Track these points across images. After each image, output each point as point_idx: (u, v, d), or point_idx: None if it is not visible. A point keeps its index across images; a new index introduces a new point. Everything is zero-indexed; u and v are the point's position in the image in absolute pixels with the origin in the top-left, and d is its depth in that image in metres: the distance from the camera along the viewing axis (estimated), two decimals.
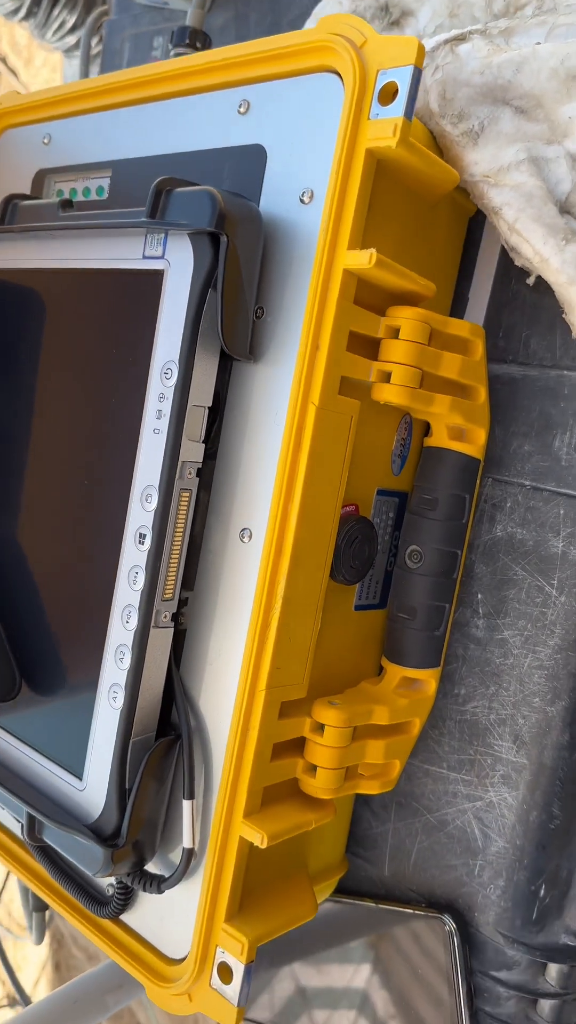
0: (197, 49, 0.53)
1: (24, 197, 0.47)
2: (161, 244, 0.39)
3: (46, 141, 0.51)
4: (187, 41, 0.52)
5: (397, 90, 0.34)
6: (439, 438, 0.42)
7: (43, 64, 1.43)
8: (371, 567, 0.42)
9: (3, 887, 1.32)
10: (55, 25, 1.23)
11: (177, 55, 0.53)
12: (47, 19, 1.22)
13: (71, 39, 1.27)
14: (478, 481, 0.43)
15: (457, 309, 0.46)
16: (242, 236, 0.37)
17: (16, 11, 1.21)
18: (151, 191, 0.37)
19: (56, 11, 1.22)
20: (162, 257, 0.39)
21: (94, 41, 0.91)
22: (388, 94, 0.35)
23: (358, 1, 0.49)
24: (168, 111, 0.44)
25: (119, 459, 0.40)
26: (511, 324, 0.44)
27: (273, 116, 0.39)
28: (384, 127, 0.34)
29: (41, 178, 0.51)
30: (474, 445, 0.42)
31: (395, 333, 0.38)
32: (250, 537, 0.39)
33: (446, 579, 0.43)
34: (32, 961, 1.63)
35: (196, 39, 0.52)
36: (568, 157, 0.39)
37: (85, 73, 0.73)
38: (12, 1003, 1.67)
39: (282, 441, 0.37)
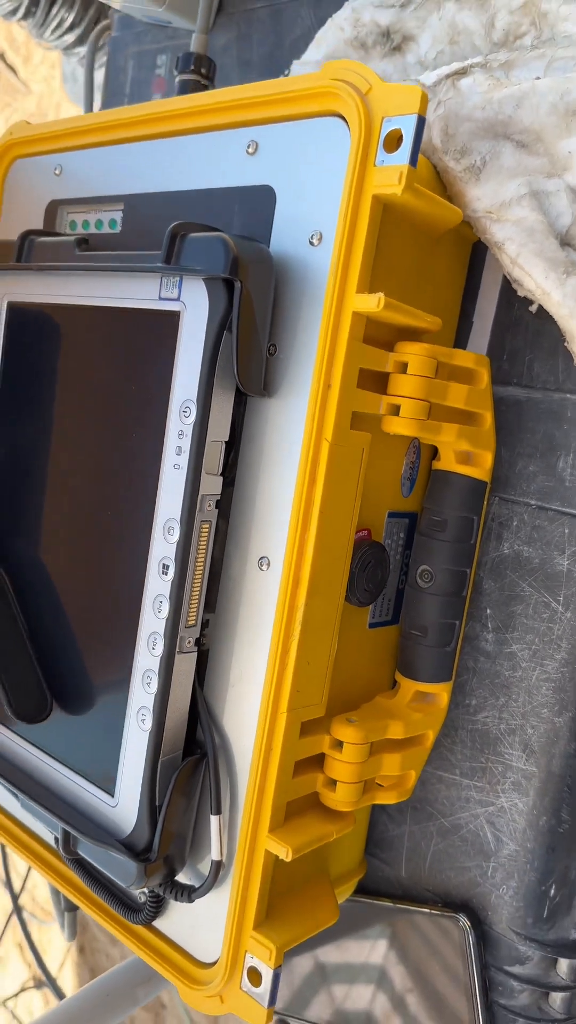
0: (202, 75, 0.53)
1: (40, 233, 0.48)
2: (177, 287, 0.40)
3: (57, 172, 0.52)
4: (192, 67, 0.53)
5: (402, 137, 0.36)
6: (447, 462, 0.44)
7: (42, 61, 1.43)
8: (384, 588, 0.44)
9: (27, 875, 1.36)
10: (53, 24, 1.23)
11: (182, 81, 0.54)
12: (45, 18, 1.22)
13: (70, 37, 1.27)
14: (485, 502, 0.45)
15: (462, 331, 0.47)
16: (254, 279, 0.38)
17: (14, 11, 1.21)
18: (166, 236, 0.39)
19: (54, 10, 1.22)
20: (178, 299, 0.40)
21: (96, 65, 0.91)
22: (393, 141, 0.36)
23: (360, 27, 0.50)
24: (178, 148, 0.45)
25: (141, 492, 0.42)
26: (515, 348, 0.45)
27: (281, 158, 0.40)
28: (390, 174, 0.36)
29: (54, 209, 0.52)
30: (481, 468, 0.44)
31: (403, 368, 0.39)
32: (268, 565, 0.41)
33: (456, 598, 0.44)
34: (57, 944, 1.67)
35: (201, 65, 0.53)
36: (568, 190, 0.40)
37: (89, 90, 0.74)
38: (39, 984, 1.71)
39: (297, 474, 0.39)
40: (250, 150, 0.41)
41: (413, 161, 0.35)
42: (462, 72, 0.42)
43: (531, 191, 0.40)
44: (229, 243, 0.37)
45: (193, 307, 0.40)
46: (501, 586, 0.46)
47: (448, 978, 0.48)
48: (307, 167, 0.39)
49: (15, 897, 1.08)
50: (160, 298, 0.41)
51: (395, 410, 0.40)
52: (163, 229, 0.39)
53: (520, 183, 0.40)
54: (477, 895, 0.47)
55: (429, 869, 0.49)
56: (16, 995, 1.75)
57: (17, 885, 1.41)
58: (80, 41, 1.25)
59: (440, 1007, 0.48)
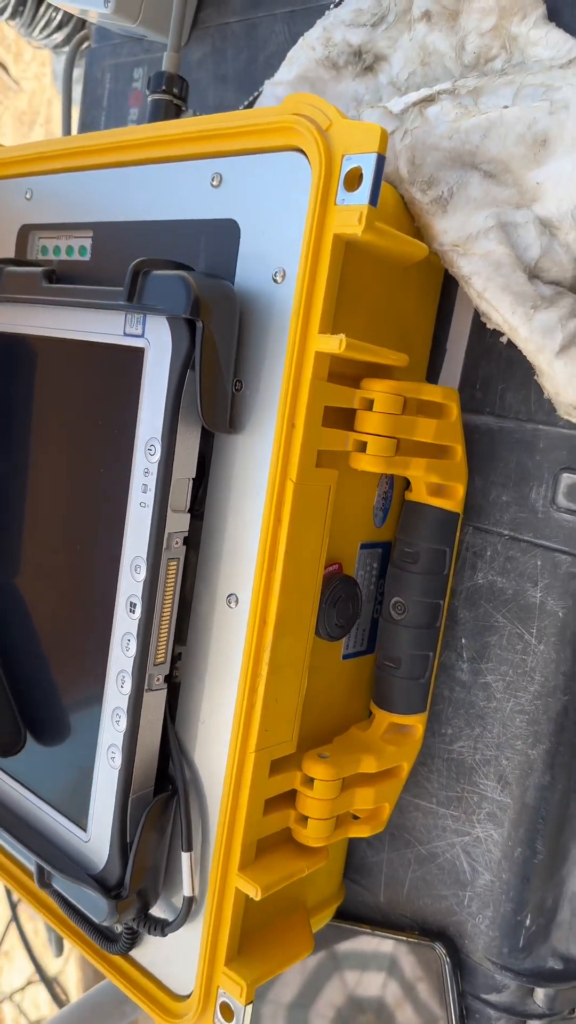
0: (174, 95, 0.53)
1: (10, 262, 0.47)
2: (141, 323, 0.40)
3: (28, 196, 0.52)
4: (163, 87, 0.52)
5: (362, 176, 0.35)
6: (418, 493, 0.43)
7: (32, 59, 1.42)
8: (356, 622, 0.43)
9: None
10: (41, 23, 1.22)
11: (154, 102, 0.53)
12: (33, 18, 1.21)
13: (58, 36, 1.25)
14: (458, 534, 0.44)
15: (436, 359, 0.47)
16: (218, 317, 0.37)
17: (2, 11, 1.20)
18: (128, 273, 0.38)
19: (42, 9, 1.20)
20: (142, 336, 0.40)
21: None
22: (353, 179, 0.35)
23: (331, 46, 0.49)
24: (145, 177, 0.44)
25: (109, 528, 0.42)
26: (488, 376, 0.45)
27: (244, 191, 0.40)
28: (350, 214, 0.35)
29: (25, 233, 0.52)
30: (452, 500, 0.43)
31: (369, 405, 0.39)
32: (236, 603, 0.40)
33: (429, 630, 0.44)
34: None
35: (173, 84, 0.52)
36: (537, 222, 0.40)
37: (67, 102, 0.73)
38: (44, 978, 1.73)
39: (263, 513, 0.39)
40: (214, 183, 0.41)
41: (374, 200, 0.35)
42: (430, 100, 0.41)
43: (499, 223, 0.39)
44: (190, 283, 0.37)
45: (157, 344, 0.39)
46: (476, 616, 0.46)
47: (425, 1006, 0.48)
48: (269, 202, 0.39)
49: (13, 906, 1.09)
50: (125, 334, 0.41)
51: (362, 447, 0.39)
52: (130, 259, 0.39)
53: (488, 215, 0.39)
54: (454, 923, 0.47)
55: (407, 896, 0.49)
56: (22, 989, 1.77)
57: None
58: (69, 40, 1.24)
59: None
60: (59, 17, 1.26)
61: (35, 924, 1.67)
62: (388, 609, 0.45)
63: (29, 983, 1.75)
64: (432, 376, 0.47)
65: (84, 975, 1.62)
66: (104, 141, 0.46)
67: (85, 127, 0.70)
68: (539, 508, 0.43)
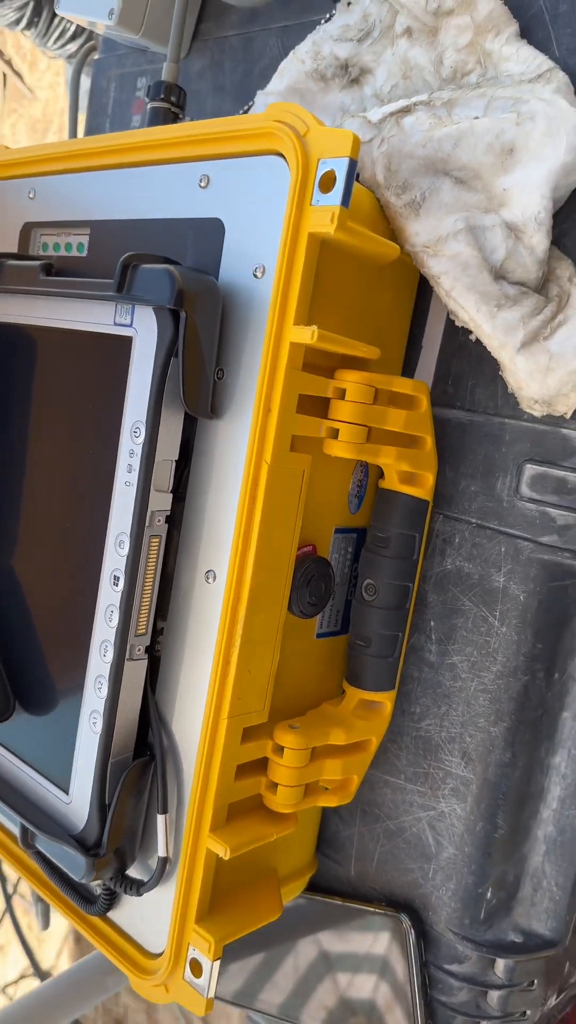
0: (172, 103, 0.55)
1: (11, 256, 0.50)
2: (129, 313, 0.42)
3: (31, 196, 0.55)
4: (162, 96, 0.55)
5: (335, 178, 0.38)
6: (390, 481, 0.46)
7: (47, 68, 1.46)
8: (328, 602, 0.46)
9: None
10: (56, 34, 1.25)
11: (153, 109, 0.56)
12: (48, 28, 1.25)
13: (72, 46, 1.29)
14: (427, 520, 0.47)
15: (412, 355, 0.49)
16: (201, 309, 0.40)
17: (18, 21, 1.24)
18: (118, 266, 0.41)
19: (56, 20, 1.24)
20: (130, 325, 0.42)
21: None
22: (328, 182, 0.38)
23: (319, 60, 0.52)
24: (140, 178, 0.47)
25: (96, 506, 0.44)
26: (459, 372, 0.47)
27: (229, 192, 0.42)
28: (323, 215, 0.38)
29: (28, 230, 0.55)
30: (422, 488, 0.46)
31: (342, 394, 0.41)
32: (214, 579, 0.43)
33: (398, 611, 0.46)
34: (55, 933, 1.70)
35: (171, 93, 0.55)
36: (503, 226, 0.42)
37: (74, 109, 0.76)
38: (38, 971, 1.75)
39: (239, 493, 0.41)
40: (202, 184, 0.43)
41: (345, 202, 0.37)
42: (406, 110, 0.44)
43: (468, 226, 0.42)
44: (175, 275, 0.39)
45: (144, 333, 0.42)
46: (444, 600, 0.48)
47: (389, 974, 0.50)
48: (252, 202, 0.41)
49: (8, 897, 1.11)
50: (115, 323, 0.43)
51: (334, 434, 0.42)
52: (123, 255, 0.41)
53: (457, 218, 0.42)
54: (419, 895, 0.50)
55: (376, 869, 0.51)
56: (16, 982, 1.79)
57: (12, 876, 1.45)
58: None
59: (380, 1003, 0.50)
60: (72, 28, 1.29)
61: (30, 919, 1.69)
62: (360, 591, 0.47)
63: (23, 976, 1.77)
64: (408, 371, 0.49)
65: None
66: (102, 144, 0.49)
67: (91, 134, 0.73)
68: (504, 497, 0.45)
